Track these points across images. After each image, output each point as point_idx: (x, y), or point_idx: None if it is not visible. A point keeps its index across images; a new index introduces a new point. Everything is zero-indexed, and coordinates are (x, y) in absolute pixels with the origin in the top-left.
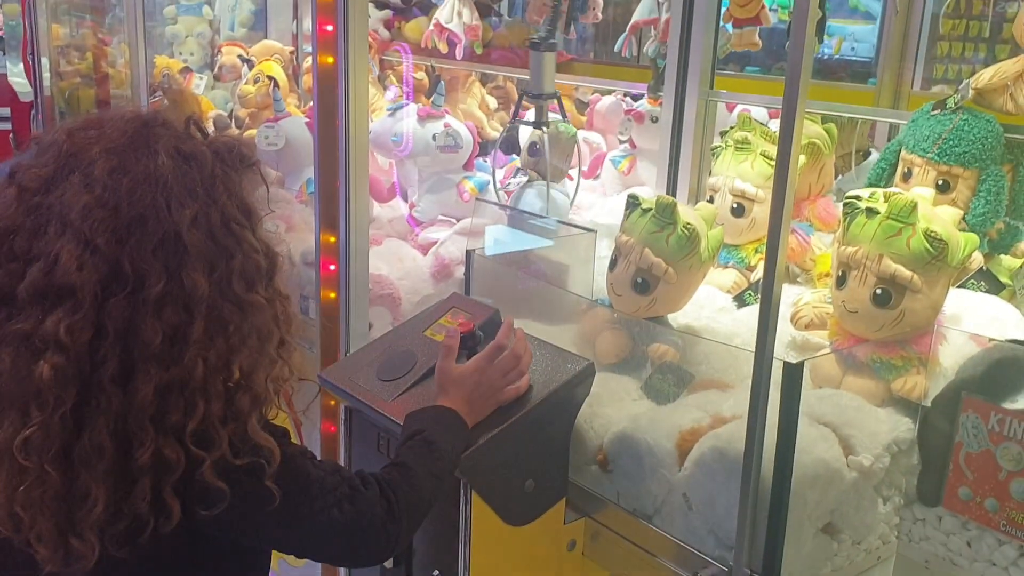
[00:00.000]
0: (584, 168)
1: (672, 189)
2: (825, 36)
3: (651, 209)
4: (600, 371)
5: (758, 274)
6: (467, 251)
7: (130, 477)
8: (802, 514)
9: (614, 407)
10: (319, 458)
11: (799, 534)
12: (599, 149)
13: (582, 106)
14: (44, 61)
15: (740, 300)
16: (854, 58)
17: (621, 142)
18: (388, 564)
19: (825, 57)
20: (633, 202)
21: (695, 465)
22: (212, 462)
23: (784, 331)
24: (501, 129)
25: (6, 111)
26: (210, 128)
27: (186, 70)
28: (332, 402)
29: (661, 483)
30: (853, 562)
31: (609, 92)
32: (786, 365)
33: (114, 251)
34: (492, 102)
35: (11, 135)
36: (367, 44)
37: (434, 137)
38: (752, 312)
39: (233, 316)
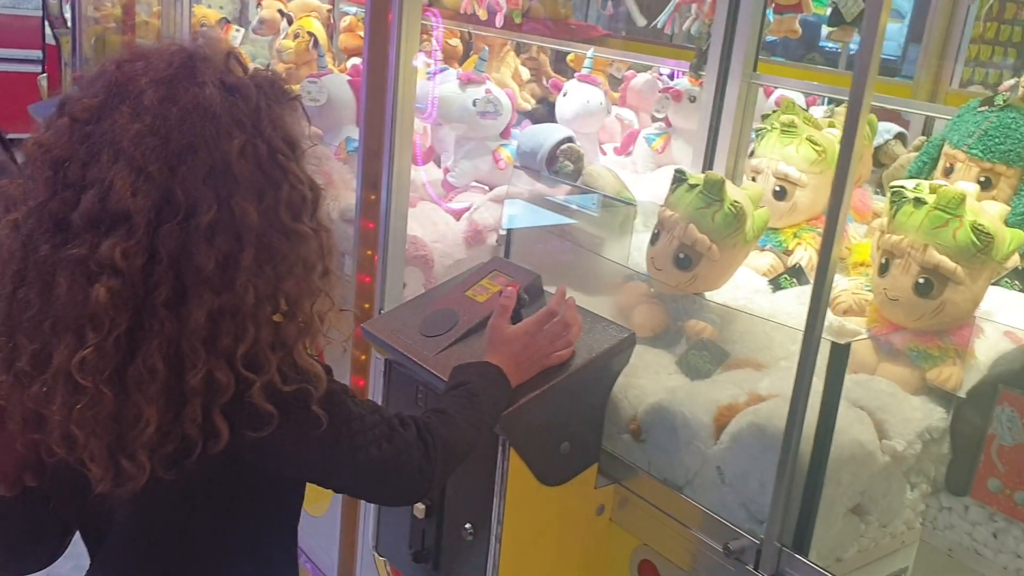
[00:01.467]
0: (616, 144)
1: (708, 169)
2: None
3: (698, 185)
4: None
5: (795, 258)
6: (508, 230)
7: (181, 399)
8: (835, 493)
9: (649, 379)
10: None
11: (830, 513)
12: (631, 126)
13: (616, 82)
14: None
15: (776, 284)
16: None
17: (656, 120)
18: (420, 515)
19: (852, 52)
20: (680, 177)
21: (732, 439)
22: (261, 386)
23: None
24: (533, 100)
25: (37, 53)
26: None
27: (223, 21)
28: (363, 356)
29: (695, 455)
30: (878, 544)
31: (645, 68)
32: (834, 346)
33: (166, 178)
34: (525, 73)
35: (45, 76)
36: (420, 6)
37: (474, 103)
38: (788, 296)
39: (280, 245)
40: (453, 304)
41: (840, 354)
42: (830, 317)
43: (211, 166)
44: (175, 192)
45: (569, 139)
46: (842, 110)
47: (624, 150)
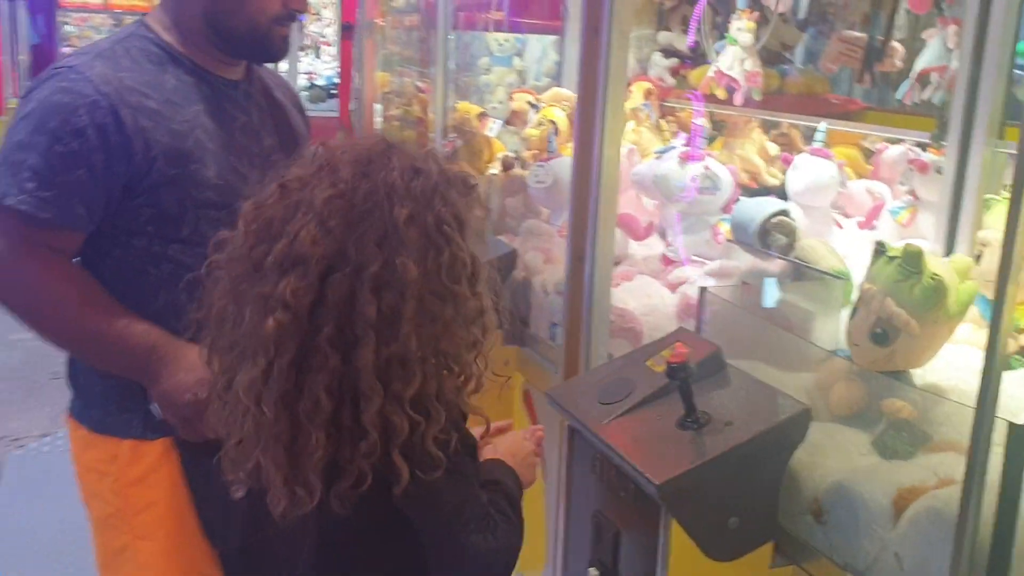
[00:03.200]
0: (861, 218)
1: (951, 243)
2: None
3: (897, 257)
4: (831, 422)
5: None
6: (700, 288)
7: (355, 434)
8: None
9: (837, 459)
10: None
11: None
12: (882, 200)
13: (869, 155)
14: (377, 107)
15: (1006, 367)
16: None
17: (904, 193)
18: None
19: None
20: (880, 249)
21: (909, 524)
22: (433, 431)
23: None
24: (781, 176)
25: None
26: (497, 168)
27: (483, 115)
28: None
29: (874, 540)
30: None
31: (897, 141)
32: (1012, 428)
33: (343, 234)
34: (773, 148)
35: None
36: (622, 94)
37: (692, 179)
38: (1015, 377)
39: (438, 304)
40: (632, 372)
41: (1020, 437)
42: None
43: (383, 231)
44: (348, 247)
45: (783, 212)
46: None
47: (868, 224)
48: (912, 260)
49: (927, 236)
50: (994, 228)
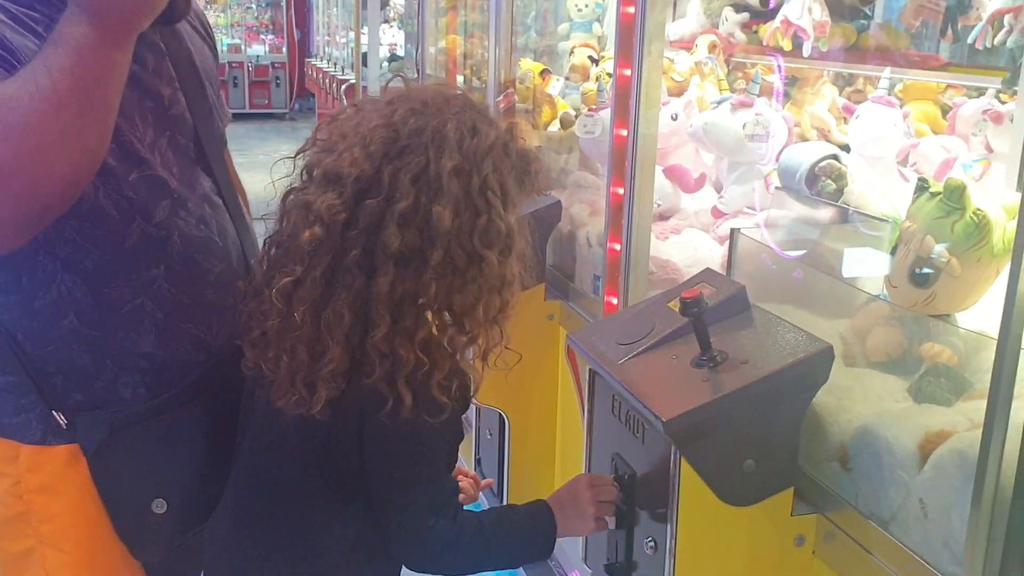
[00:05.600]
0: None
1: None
2: None
3: (938, 193)
4: (866, 368)
5: None
6: (732, 229)
7: (364, 354)
8: None
9: (867, 404)
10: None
11: None
12: (955, 155)
13: (948, 112)
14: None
15: None
16: None
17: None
18: (611, 525)
19: None
20: (922, 185)
21: (933, 468)
22: (439, 376)
23: None
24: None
25: None
26: (557, 124)
27: (545, 72)
28: None
29: (898, 487)
30: None
31: (974, 91)
32: None
33: (380, 163)
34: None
35: None
36: (662, 41)
37: (744, 126)
38: None
39: (463, 261)
40: (654, 314)
41: None
42: None
43: (422, 171)
44: (383, 176)
45: (832, 156)
46: None
47: (938, 179)
48: (954, 195)
49: (999, 189)
50: None
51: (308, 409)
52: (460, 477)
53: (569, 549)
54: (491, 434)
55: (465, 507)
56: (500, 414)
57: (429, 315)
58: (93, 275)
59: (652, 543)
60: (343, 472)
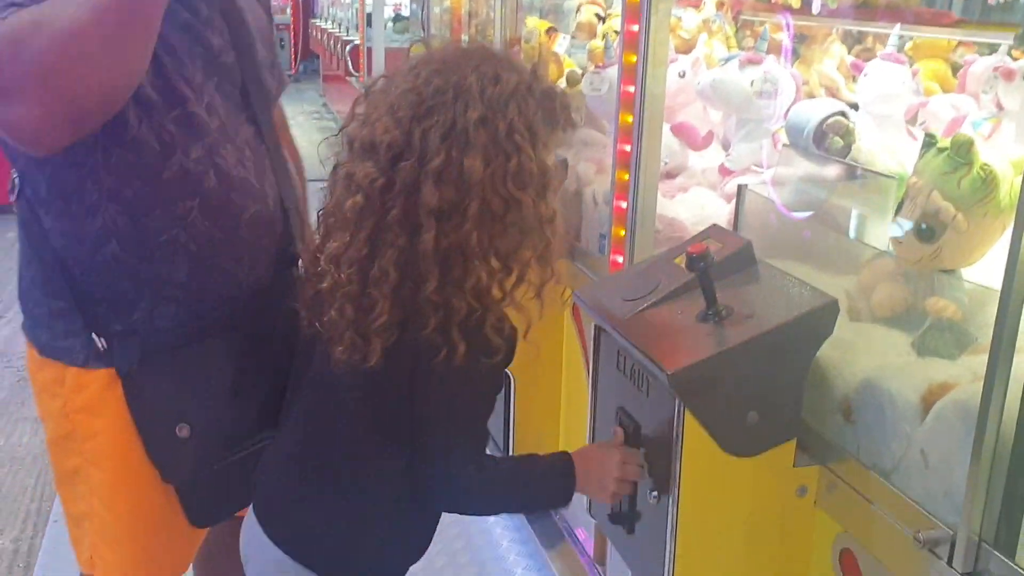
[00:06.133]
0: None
1: None
2: None
3: (946, 148)
4: (871, 323)
5: None
6: (738, 185)
7: (415, 306)
8: None
9: (871, 358)
10: None
11: None
12: (964, 113)
13: (958, 71)
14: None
15: None
16: None
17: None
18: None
19: None
20: (929, 141)
21: (935, 419)
22: (492, 319)
23: None
24: None
25: None
26: (563, 83)
27: (551, 30)
28: None
29: (900, 438)
30: None
31: (986, 48)
32: None
33: (410, 126)
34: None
35: None
36: (669, 9)
37: (751, 83)
38: None
39: (500, 207)
40: (659, 270)
41: None
42: None
43: (449, 127)
44: (414, 138)
45: (840, 113)
46: None
47: (948, 137)
48: (961, 150)
49: (1009, 146)
50: None
51: (363, 358)
52: None
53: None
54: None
55: None
56: (506, 373)
57: (477, 263)
58: (133, 204)
59: (655, 494)
60: (394, 419)
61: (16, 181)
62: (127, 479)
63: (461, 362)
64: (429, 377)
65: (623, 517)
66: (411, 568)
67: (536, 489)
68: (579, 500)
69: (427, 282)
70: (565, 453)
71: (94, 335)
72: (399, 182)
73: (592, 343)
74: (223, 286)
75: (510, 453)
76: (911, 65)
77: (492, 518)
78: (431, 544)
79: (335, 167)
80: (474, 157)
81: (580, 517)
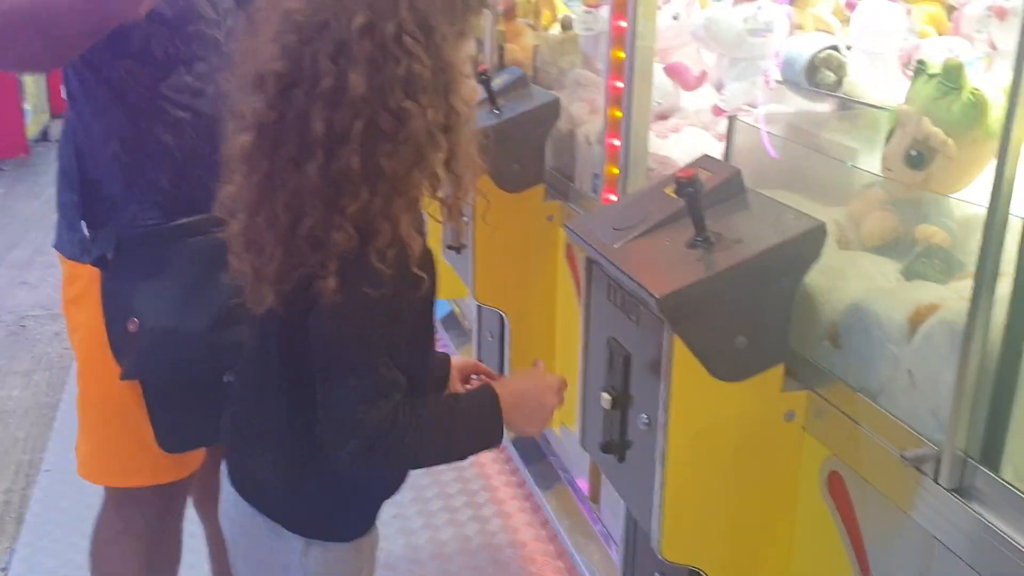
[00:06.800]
0: None
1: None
2: None
3: (937, 74)
4: (861, 251)
5: None
6: (729, 117)
7: (306, 246)
8: None
9: (859, 283)
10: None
11: None
12: (957, 56)
13: (952, 11)
14: None
15: None
16: None
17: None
18: (607, 406)
19: None
20: (920, 68)
21: (922, 339)
22: (376, 248)
23: None
24: None
25: None
26: (556, 29)
27: None
28: None
29: (887, 359)
30: None
31: None
32: None
33: (299, 50)
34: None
35: None
36: None
37: (744, 20)
38: None
39: (389, 122)
40: (651, 200)
41: None
42: None
43: (339, 43)
44: (304, 62)
45: (832, 47)
46: None
47: None
48: (952, 75)
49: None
50: None
51: (261, 307)
52: (481, 375)
53: (569, 447)
54: (492, 336)
55: None
56: (500, 315)
57: (362, 189)
58: (135, 108)
59: (647, 420)
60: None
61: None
62: (96, 372)
63: (342, 296)
64: (316, 317)
65: (614, 446)
66: (406, 512)
67: (461, 430)
68: (575, 439)
69: (309, 216)
70: (486, 387)
71: (83, 223)
72: (289, 113)
73: (584, 275)
74: (201, 199)
75: None
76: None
77: (488, 457)
78: (427, 487)
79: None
80: (358, 71)
81: (574, 460)
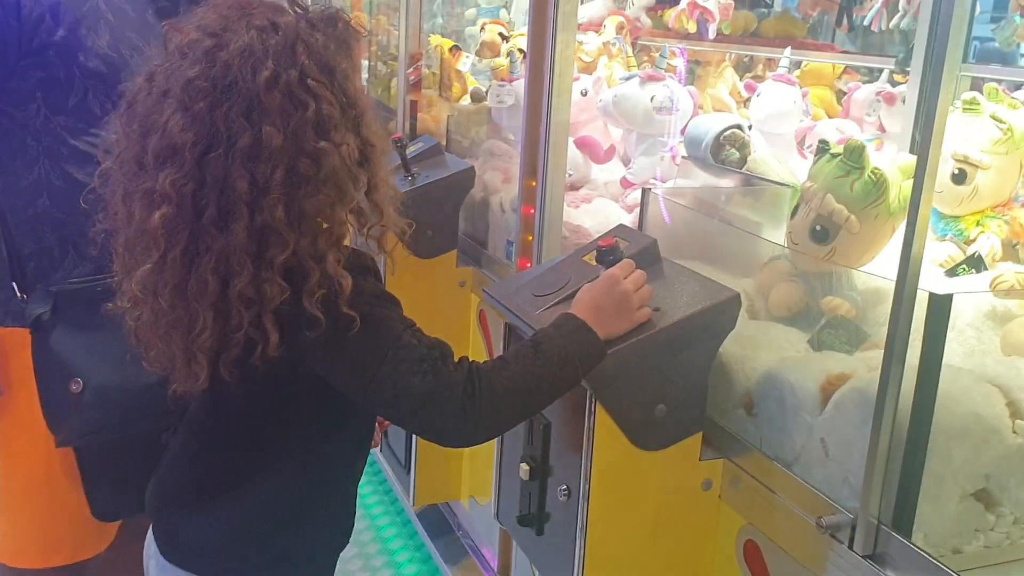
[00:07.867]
0: None
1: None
2: None
3: (839, 153)
4: (769, 321)
5: (976, 247)
6: (643, 189)
7: (233, 307)
8: (944, 470)
9: (771, 353)
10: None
11: (940, 493)
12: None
13: (842, 96)
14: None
15: (952, 274)
16: None
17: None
18: (525, 476)
19: None
20: (823, 148)
21: (834, 407)
22: (306, 292)
23: (985, 300)
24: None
25: None
26: (466, 100)
27: (455, 48)
28: None
29: (801, 427)
30: (1015, 543)
31: (868, 75)
32: (932, 297)
33: (210, 115)
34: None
35: None
36: (574, 28)
37: (652, 99)
38: (960, 284)
39: (307, 166)
40: (569, 267)
41: (940, 307)
42: (994, 300)
43: (249, 100)
44: (218, 126)
45: (736, 126)
46: None
47: None
48: (853, 154)
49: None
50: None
51: (196, 385)
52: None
53: (478, 520)
54: None
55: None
56: None
57: (287, 236)
58: (67, 160)
59: (566, 491)
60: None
61: None
62: (23, 441)
63: (274, 352)
64: (320, 360)
65: (532, 518)
66: None
67: (557, 360)
68: (485, 512)
69: (239, 276)
70: (564, 316)
71: (14, 285)
72: (209, 177)
73: (503, 341)
74: None
75: (413, 470)
76: (800, 88)
77: (392, 533)
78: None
79: (118, 194)
80: (273, 122)
81: (484, 535)
